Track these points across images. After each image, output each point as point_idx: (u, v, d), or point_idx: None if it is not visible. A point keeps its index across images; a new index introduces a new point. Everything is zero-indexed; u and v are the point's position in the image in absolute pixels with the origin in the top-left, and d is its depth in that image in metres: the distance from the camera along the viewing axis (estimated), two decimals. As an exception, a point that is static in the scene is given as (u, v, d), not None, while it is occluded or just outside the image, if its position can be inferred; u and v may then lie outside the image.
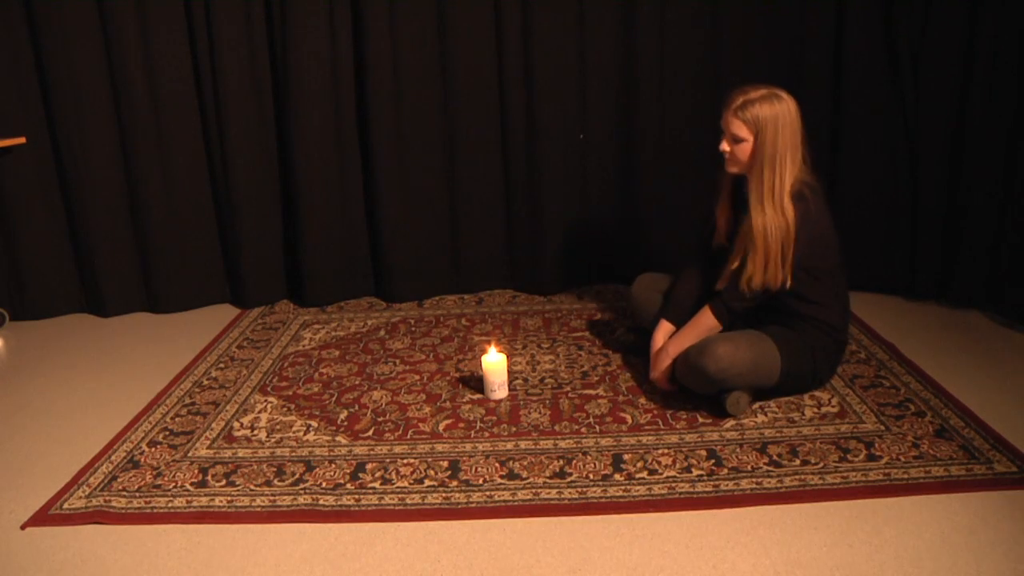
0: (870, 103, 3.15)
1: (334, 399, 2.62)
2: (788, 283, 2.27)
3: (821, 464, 2.11)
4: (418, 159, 3.39)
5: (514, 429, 2.37)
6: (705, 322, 2.40)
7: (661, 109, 3.33)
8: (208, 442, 2.38)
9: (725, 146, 2.31)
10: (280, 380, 2.77)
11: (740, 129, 2.25)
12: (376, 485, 2.12)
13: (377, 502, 2.04)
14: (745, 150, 2.27)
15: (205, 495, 2.11)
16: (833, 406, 2.41)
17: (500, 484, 2.10)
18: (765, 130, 2.22)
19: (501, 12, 3.25)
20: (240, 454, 2.30)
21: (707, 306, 2.41)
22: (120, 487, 2.16)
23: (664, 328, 2.54)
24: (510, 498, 2.03)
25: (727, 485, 2.04)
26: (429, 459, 2.23)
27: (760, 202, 2.25)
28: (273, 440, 2.37)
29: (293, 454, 2.29)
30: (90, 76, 3.24)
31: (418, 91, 3.31)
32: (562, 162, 3.40)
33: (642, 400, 2.50)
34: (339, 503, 2.04)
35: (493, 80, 3.33)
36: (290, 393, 2.67)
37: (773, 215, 2.23)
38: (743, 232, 2.30)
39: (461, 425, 2.41)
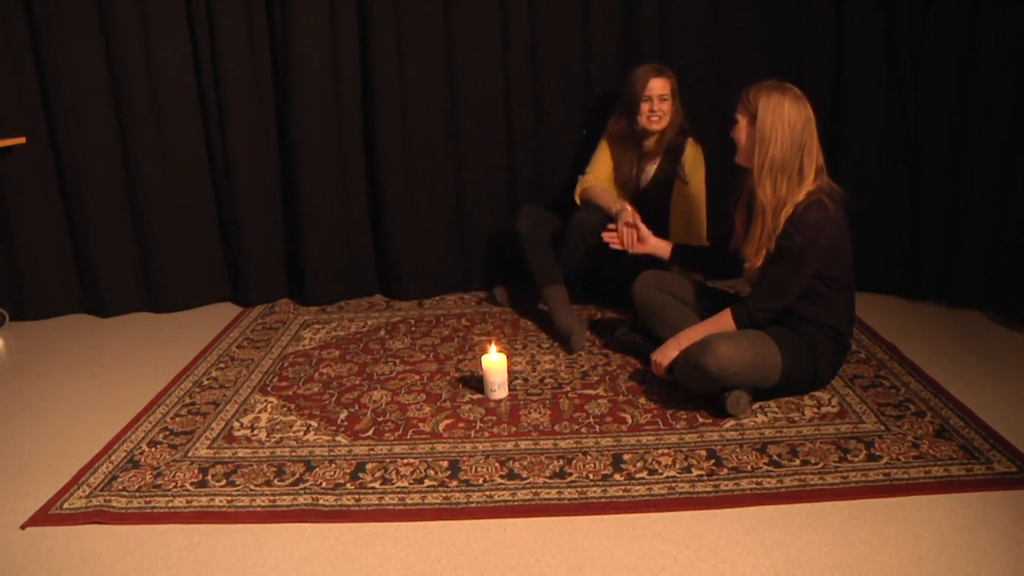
0: (870, 103, 3.15)
1: (334, 399, 2.62)
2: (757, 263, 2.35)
3: (821, 464, 2.11)
4: (423, 155, 3.40)
5: (514, 429, 2.37)
6: (723, 324, 2.39)
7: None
8: (208, 442, 2.38)
9: (732, 131, 2.38)
10: (280, 380, 2.77)
11: (738, 110, 2.34)
12: (376, 485, 2.12)
13: (377, 502, 2.04)
14: (735, 131, 2.35)
15: (205, 495, 2.11)
16: (833, 406, 2.41)
17: (500, 484, 2.10)
18: (756, 114, 2.27)
19: (507, 8, 3.26)
20: (240, 454, 2.30)
21: (729, 309, 2.40)
22: (120, 487, 2.16)
23: (663, 246, 2.72)
24: (510, 498, 2.03)
25: (727, 485, 2.04)
26: (429, 459, 2.23)
27: (758, 180, 2.30)
28: (273, 440, 2.37)
29: (293, 454, 2.29)
30: (90, 76, 3.24)
31: (423, 87, 3.32)
32: (568, 159, 3.40)
33: (642, 400, 2.50)
34: (339, 503, 2.04)
35: (499, 77, 3.35)
36: (290, 393, 2.67)
37: (766, 195, 2.29)
38: (753, 226, 2.36)
39: (461, 425, 2.41)
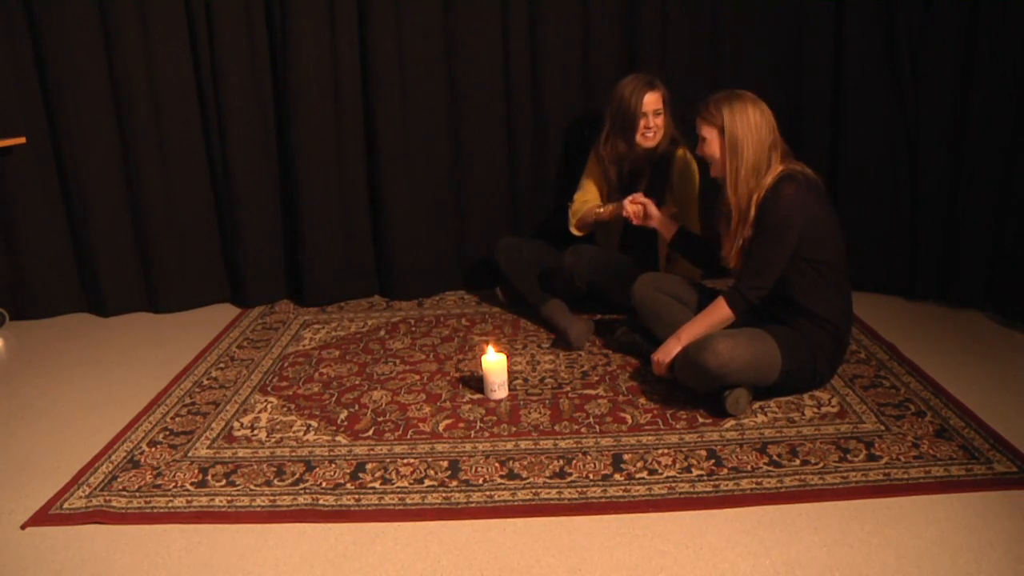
0: (870, 103, 3.15)
1: (334, 399, 2.62)
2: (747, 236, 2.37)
3: (821, 464, 2.11)
4: (423, 157, 3.40)
5: (514, 429, 2.37)
6: (719, 313, 2.40)
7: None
8: (208, 442, 2.38)
9: (699, 150, 2.43)
10: (280, 380, 2.78)
11: (701, 129, 2.40)
12: (376, 485, 2.12)
13: (377, 502, 2.04)
14: (708, 149, 2.39)
15: (205, 495, 2.11)
16: (833, 406, 2.41)
17: (500, 484, 2.10)
18: (723, 126, 2.33)
19: (507, 8, 3.26)
20: (240, 454, 2.30)
21: (721, 297, 2.41)
22: (120, 487, 2.16)
23: (669, 225, 2.73)
24: (510, 498, 2.03)
25: (727, 485, 2.04)
26: (429, 459, 2.23)
27: (732, 188, 2.35)
28: (273, 440, 2.37)
29: (293, 454, 2.29)
30: (90, 76, 3.25)
31: (423, 88, 3.32)
32: (567, 161, 3.40)
33: (642, 400, 2.50)
34: (339, 503, 2.04)
35: (499, 77, 3.34)
36: (290, 393, 2.67)
37: (738, 197, 2.35)
38: (732, 228, 2.40)
39: (461, 425, 2.41)
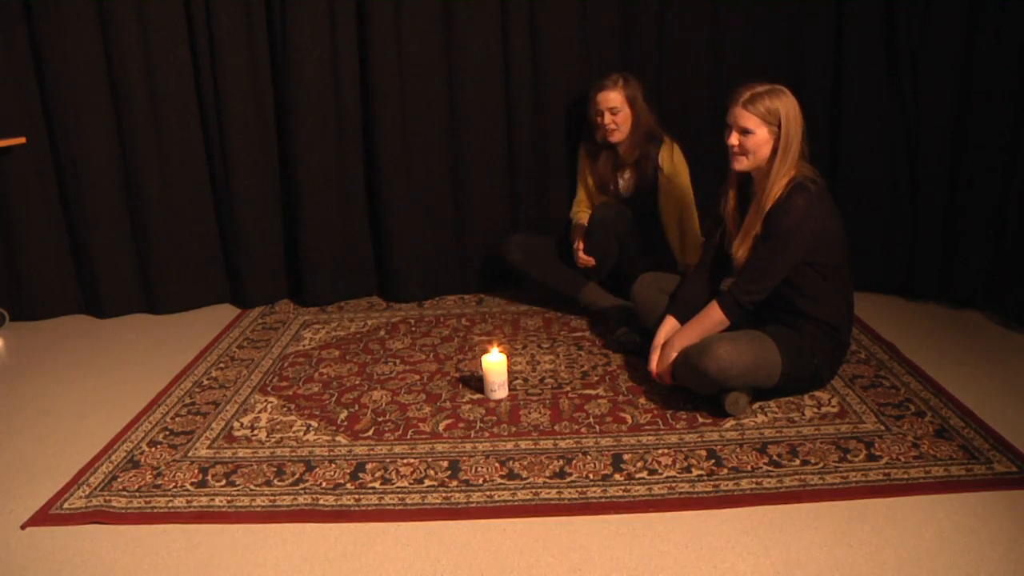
0: (870, 102, 3.16)
1: (334, 399, 2.62)
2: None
3: (821, 464, 2.11)
4: (422, 157, 3.40)
5: (514, 429, 2.37)
6: (712, 317, 2.39)
7: (663, 110, 3.33)
8: (208, 442, 2.38)
9: (733, 139, 2.33)
10: (280, 380, 2.78)
11: (748, 121, 2.29)
12: (376, 485, 2.12)
13: (377, 502, 2.04)
14: (754, 142, 2.29)
15: (205, 495, 2.11)
16: (833, 406, 2.41)
17: (500, 484, 2.10)
18: (774, 122, 2.27)
19: (508, 11, 3.26)
20: (240, 454, 2.30)
21: (715, 301, 2.40)
22: (120, 487, 2.16)
23: (670, 324, 2.52)
24: (510, 498, 2.03)
25: (727, 485, 2.04)
26: (429, 459, 2.23)
27: (771, 186, 2.29)
28: (273, 440, 2.37)
29: (293, 454, 2.29)
30: (90, 76, 3.24)
31: (423, 88, 3.32)
32: (568, 162, 3.41)
33: (642, 400, 2.50)
34: (339, 503, 2.04)
35: (499, 78, 3.34)
36: (290, 393, 2.67)
37: (771, 193, 2.30)
38: (747, 222, 2.35)
39: (461, 425, 2.41)
